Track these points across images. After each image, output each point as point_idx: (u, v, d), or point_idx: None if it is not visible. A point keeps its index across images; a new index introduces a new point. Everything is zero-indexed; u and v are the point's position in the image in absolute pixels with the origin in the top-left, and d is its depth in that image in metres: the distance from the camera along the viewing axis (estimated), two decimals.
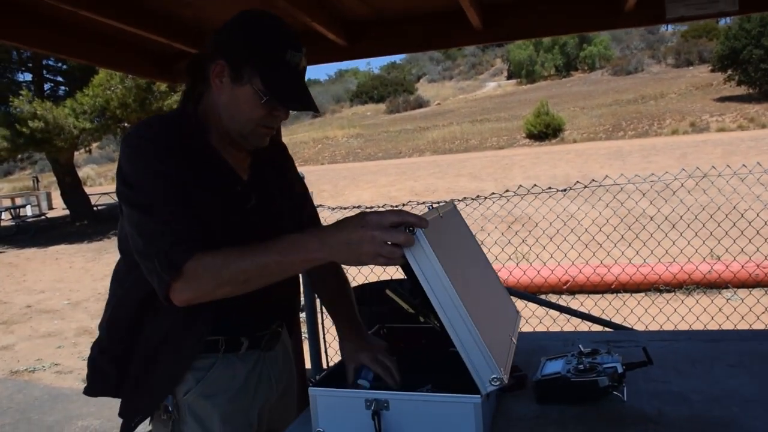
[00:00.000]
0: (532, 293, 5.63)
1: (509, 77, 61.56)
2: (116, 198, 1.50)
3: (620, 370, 1.54)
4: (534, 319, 5.60)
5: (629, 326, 4.44)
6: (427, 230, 1.26)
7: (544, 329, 5.39)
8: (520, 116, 36.67)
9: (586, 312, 4.08)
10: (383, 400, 1.35)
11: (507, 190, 4.54)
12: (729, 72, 37.70)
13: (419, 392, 1.35)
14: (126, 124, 17.69)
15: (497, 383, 1.27)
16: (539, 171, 18.14)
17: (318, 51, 3.12)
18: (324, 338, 4.07)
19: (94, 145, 22.01)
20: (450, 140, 35.94)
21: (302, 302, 4.61)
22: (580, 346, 1.68)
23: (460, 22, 2.84)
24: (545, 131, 33.15)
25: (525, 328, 5.08)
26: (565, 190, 4.51)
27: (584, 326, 4.44)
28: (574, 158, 20.57)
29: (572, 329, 4.85)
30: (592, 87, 47.26)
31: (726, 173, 5.12)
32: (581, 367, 1.57)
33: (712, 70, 41.05)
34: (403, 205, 4.43)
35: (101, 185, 35.90)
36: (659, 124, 32.30)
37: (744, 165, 5.23)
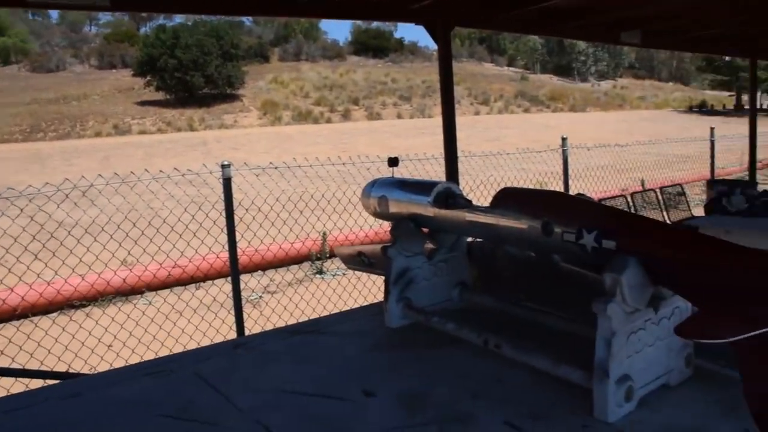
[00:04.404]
0: None
1: None
2: None
3: None
4: None
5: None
6: None
7: None
8: None
9: None
10: None
11: None
12: (148, 77, 39.38)
13: None
14: None
15: None
16: None
17: None
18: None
19: None
20: None
21: None
22: None
23: None
24: None
25: None
26: None
27: None
28: None
29: None
30: (7, 83, 43.01)
31: (145, 177, 4.88)
32: None
33: (134, 75, 42.16)
34: None
35: None
36: (82, 126, 31.37)
37: (161, 170, 5.07)
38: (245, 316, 4.86)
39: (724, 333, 1.30)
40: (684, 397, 1.77)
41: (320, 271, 8.05)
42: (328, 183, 7.32)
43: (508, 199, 2.23)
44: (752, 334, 1.26)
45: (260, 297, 6.67)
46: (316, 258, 8.21)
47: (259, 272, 7.45)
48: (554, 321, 2.27)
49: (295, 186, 7.26)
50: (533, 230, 2.05)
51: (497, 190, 2.32)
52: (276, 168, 5.72)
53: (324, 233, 8.21)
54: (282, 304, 5.91)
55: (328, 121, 40.31)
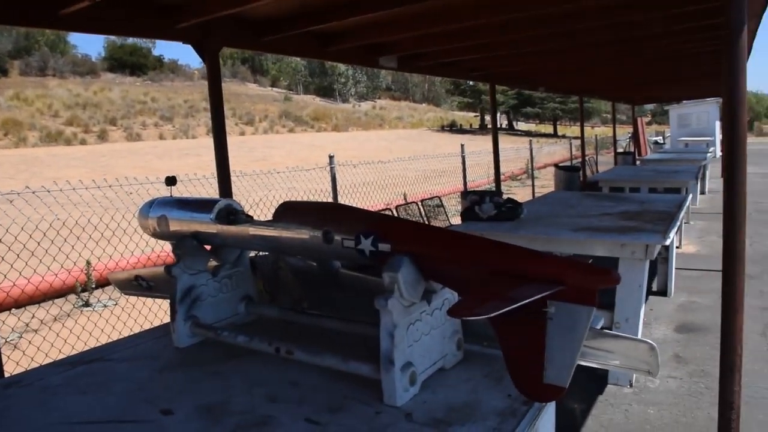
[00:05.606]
0: None
1: None
2: None
3: None
4: None
5: None
6: None
7: None
8: None
9: None
10: None
11: None
12: None
13: None
14: None
15: None
16: None
17: None
18: None
19: None
20: None
21: None
22: None
23: None
24: None
25: None
26: None
27: None
28: None
29: None
30: None
31: None
32: None
33: None
34: None
35: None
36: None
37: None
38: (5, 359, 4.42)
39: (484, 311, 1.54)
40: (458, 377, 2.02)
41: (87, 303, 7.51)
42: (93, 208, 6.86)
43: (289, 212, 2.34)
44: (505, 310, 1.51)
45: (21, 336, 6.05)
46: (81, 290, 7.64)
47: (18, 309, 6.76)
48: (339, 324, 2.42)
49: (57, 212, 6.69)
50: (315, 240, 2.18)
51: (272, 209, 2.42)
52: (34, 192, 5.25)
53: (88, 261, 7.68)
54: (48, 340, 5.43)
55: (83, 142, 37.45)
